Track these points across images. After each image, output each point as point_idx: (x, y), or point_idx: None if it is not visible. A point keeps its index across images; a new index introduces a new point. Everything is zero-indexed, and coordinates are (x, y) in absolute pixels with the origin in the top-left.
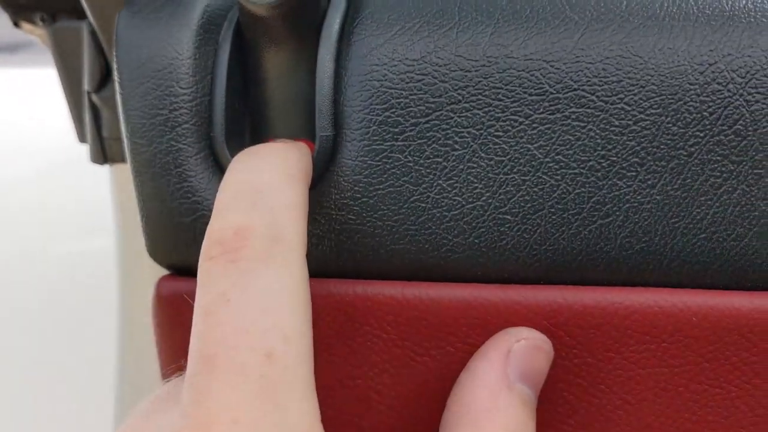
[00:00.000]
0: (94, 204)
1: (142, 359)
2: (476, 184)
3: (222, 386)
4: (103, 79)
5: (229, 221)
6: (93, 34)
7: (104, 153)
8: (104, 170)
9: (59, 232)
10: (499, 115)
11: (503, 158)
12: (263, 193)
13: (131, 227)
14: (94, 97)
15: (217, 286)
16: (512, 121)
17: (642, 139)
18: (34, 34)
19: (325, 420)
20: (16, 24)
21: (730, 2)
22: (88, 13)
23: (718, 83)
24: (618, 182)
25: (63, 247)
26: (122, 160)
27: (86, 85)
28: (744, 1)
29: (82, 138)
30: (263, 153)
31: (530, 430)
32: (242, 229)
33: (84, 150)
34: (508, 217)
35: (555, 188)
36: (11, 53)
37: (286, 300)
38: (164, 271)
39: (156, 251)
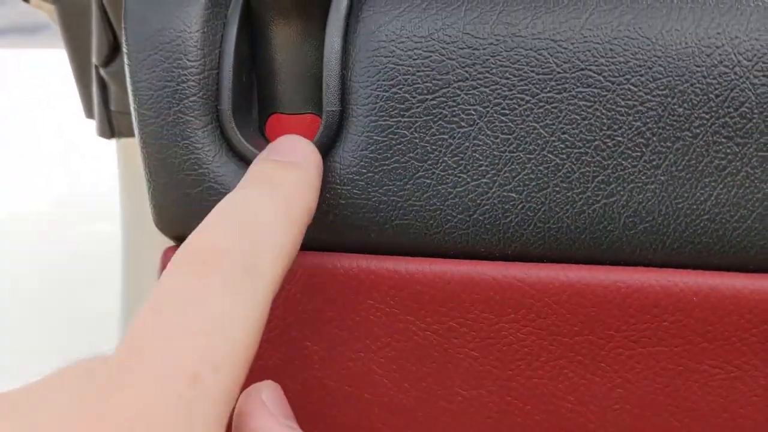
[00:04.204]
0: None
1: None
2: (481, 162)
3: (133, 395)
4: (111, 53)
5: (215, 239)
6: (102, 8)
7: (111, 127)
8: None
9: (69, 215)
10: (506, 93)
11: (509, 136)
12: (259, 228)
13: (136, 200)
14: (102, 71)
15: (177, 289)
16: (519, 100)
17: (648, 120)
18: (42, 9)
19: (326, 391)
20: None
21: None
22: None
23: (725, 66)
24: (623, 162)
25: (72, 231)
26: (129, 134)
27: (94, 59)
28: None
29: (88, 114)
30: (282, 176)
31: None
32: (223, 251)
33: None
34: (513, 194)
35: (560, 167)
36: (31, 35)
37: (233, 332)
38: (168, 242)
39: (162, 222)
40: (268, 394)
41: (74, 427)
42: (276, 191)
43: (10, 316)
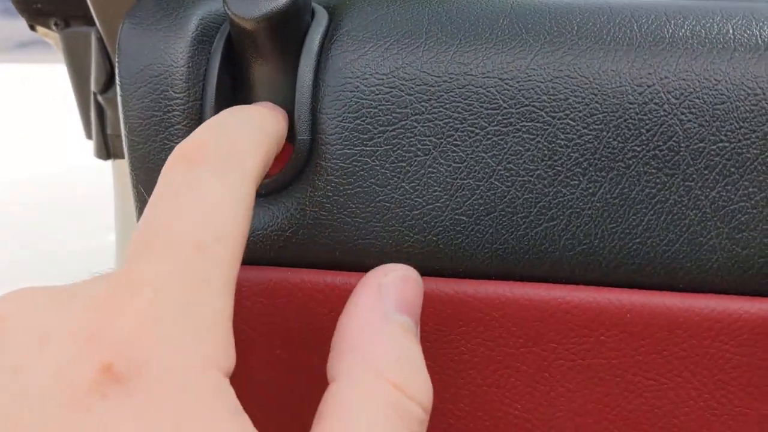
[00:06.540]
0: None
1: None
2: (435, 188)
3: (150, 263)
4: (108, 81)
5: (199, 140)
6: (100, 40)
7: (107, 149)
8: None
9: (68, 229)
10: (458, 126)
11: (460, 165)
12: (237, 133)
13: (130, 216)
14: (100, 98)
15: (173, 183)
16: (469, 132)
17: (585, 152)
18: (48, 37)
19: (293, 392)
20: (32, 27)
21: (670, 30)
22: (96, 20)
23: (655, 103)
24: (562, 189)
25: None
26: (123, 156)
27: (92, 87)
28: (683, 30)
29: (88, 135)
30: (242, 114)
31: (416, 354)
32: (207, 147)
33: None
34: (464, 218)
35: (506, 193)
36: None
37: (227, 209)
38: None
39: None
40: (389, 279)
41: (109, 296)
42: (250, 114)
43: None
